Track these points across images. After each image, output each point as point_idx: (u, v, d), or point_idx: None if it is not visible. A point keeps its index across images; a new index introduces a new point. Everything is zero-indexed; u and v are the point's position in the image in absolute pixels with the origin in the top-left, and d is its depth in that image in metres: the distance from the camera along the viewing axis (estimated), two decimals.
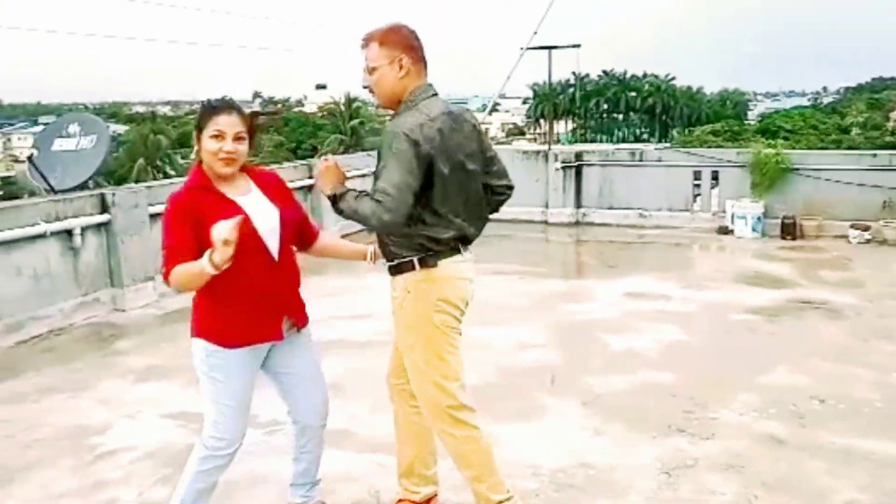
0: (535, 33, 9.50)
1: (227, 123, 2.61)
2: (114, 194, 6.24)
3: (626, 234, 9.80)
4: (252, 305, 2.67)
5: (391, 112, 2.86)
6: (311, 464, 3.10)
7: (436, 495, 3.20)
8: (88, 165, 6.30)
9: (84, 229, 6.01)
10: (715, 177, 10.05)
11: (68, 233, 5.94)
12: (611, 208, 10.38)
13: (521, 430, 4.07)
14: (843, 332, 5.73)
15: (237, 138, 2.63)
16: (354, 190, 2.74)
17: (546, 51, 10.86)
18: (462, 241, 2.86)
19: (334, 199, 2.74)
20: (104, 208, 6.20)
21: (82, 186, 6.33)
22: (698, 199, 10.24)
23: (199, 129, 2.64)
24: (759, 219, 9.31)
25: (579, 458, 3.71)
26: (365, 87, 2.85)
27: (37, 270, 5.77)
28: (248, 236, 2.59)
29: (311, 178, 8.59)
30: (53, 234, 5.80)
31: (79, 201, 6.07)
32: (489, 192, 3.01)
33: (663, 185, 10.16)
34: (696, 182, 10.18)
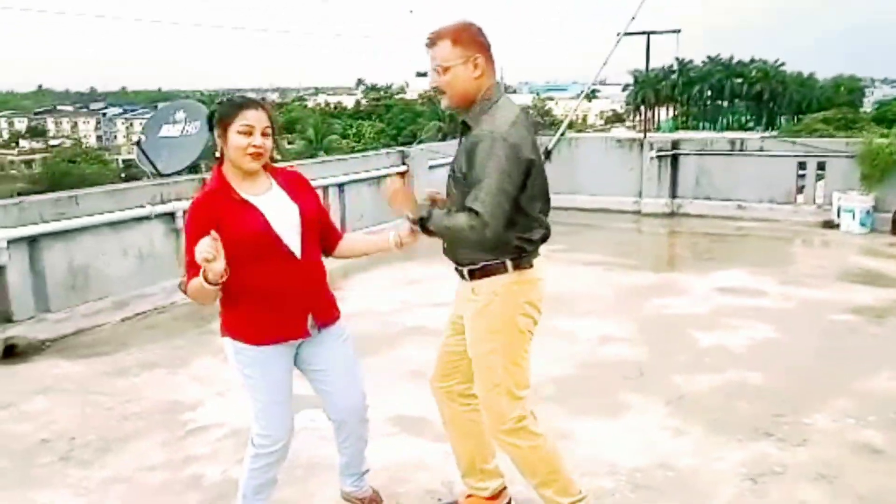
0: (633, 18, 9.22)
1: (255, 118, 2.59)
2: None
3: (723, 226, 9.46)
4: (274, 304, 2.65)
5: (462, 111, 2.75)
6: (354, 457, 3.10)
7: (504, 487, 3.16)
8: (192, 150, 6.59)
9: (185, 212, 6.26)
10: (821, 167, 9.55)
11: (171, 215, 6.24)
12: (708, 199, 10.03)
13: (601, 426, 4.01)
14: None
15: (264, 133, 2.61)
16: (437, 206, 2.69)
17: (645, 36, 10.55)
18: (544, 240, 2.81)
19: (422, 221, 2.67)
20: None
21: (187, 170, 6.63)
22: (803, 190, 9.77)
23: (224, 125, 2.60)
24: (868, 213, 8.80)
25: (659, 459, 3.62)
26: (434, 88, 2.75)
27: (142, 250, 6.10)
28: (265, 237, 2.60)
29: (403, 164, 8.71)
30: (158, 216, 6.11)
31: (182, 185, 6.36)
32: None
33: (765, 176, 9.73)
34: (801, 173, 9.71)
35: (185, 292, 2.60)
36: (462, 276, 2.81)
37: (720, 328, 5.55)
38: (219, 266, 2.40)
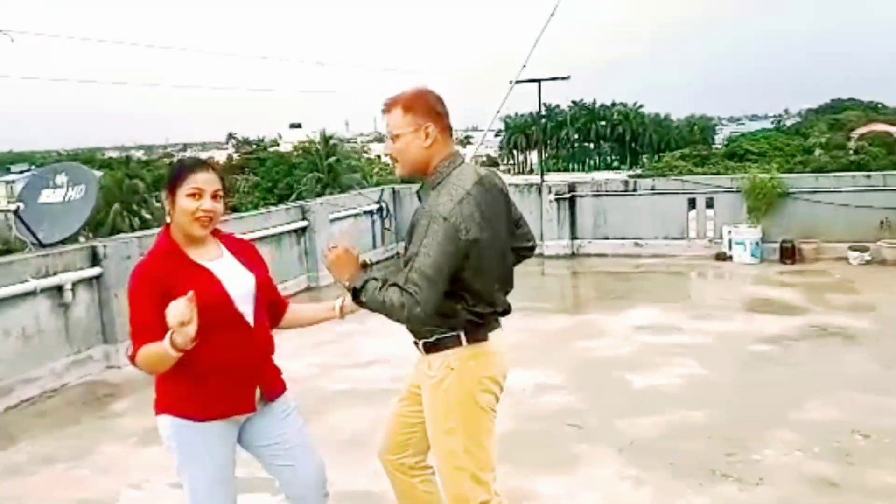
0: (524, 66, 9.40)
1: (206, 181, 2.44)
2: (105, 246, 5.95)
3: (623, 263, 9.68)
4: (224, 378, 2.47)
5: (412, 180, 2.71)
6: None
7: None
8: (78, 217, 6.02)
9: (75, 284, 5.71)
10: (710, 204, 9.99)
11: (58, 289, 5.64)
12: (606, 238, 10.27)
13: (558, 482, 3.85)
14: (865, 359, 5.60)
15: (214, 196, 2.46)
16: (376, 278, 2.50)
17: (534, 83, 10.80)
18: (504, 313, 2.70)
19: (355, 292, 2.52)
20: (95, 261, 5.91)
21: (71, 239, 6.05)
22: (692, 225, 10.17)
23: (173, 188, 2.44)
24: (757, 244, 9.24)
25: None
26: (387, 155, 2.67)
27: (26, 329, 5.45)
28: (221, 305, 2.43)
29: (304, 219, 8.38)
30: (43, 290, 5.50)
31: (69, 255, 5.78)
32: (514, 254, 2.82)
33: (658, 214, 10.09)
34: (691, 209, 10.12)
35: (132, 361, 2.39)
36: (419, 349, 2.65)
37: (647, 368, 5.55)
38: (192, 330, 2.19)
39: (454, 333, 2.54)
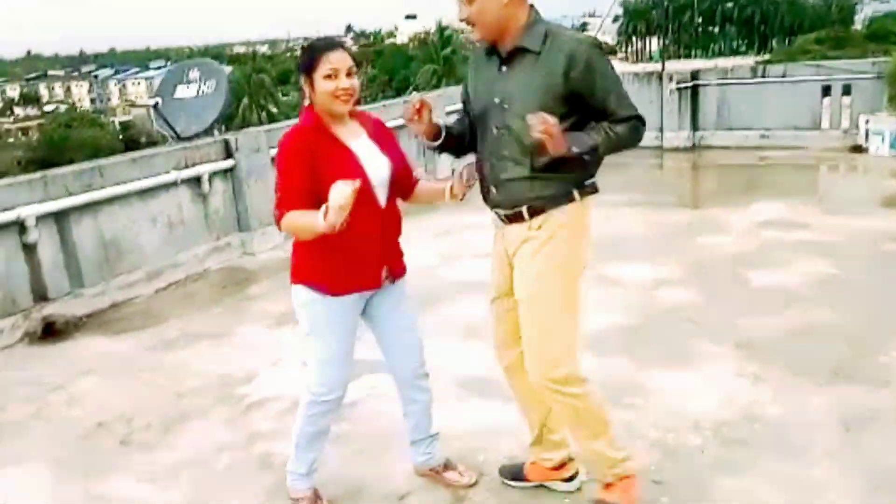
0: None
1: (339, 60, 2.53)
2: (237, 139, 6.27)
3: (747, 156, 9.28)
4: (356, 254, 2.62)
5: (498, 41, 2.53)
6: (421, 417, 3.02)
7: (570, 460, 2.96)
8: (211, 111, 6.33)
9: (211, 175, 6.09)
10: (846, 91, 9.31)
11: (197, 180, 6.02)
12: (730, 129, 9.83)
13: (674, 377, 3.86)
14: None
15: (349, 74, 2.56)
16: (584, 136, 2.42)
17: None
18: None
19: (591, 153, 2.43)
20: (228, 154, 6.25)
21: (205, 132, 6.38)
22: (826, 115, 9.53)
23: (309, 71, 2.55)
24: None
25: (743, 410, 3.48)
26: (462, 21, 2.56)
27: (171, 218, 5.89)
28: (363, 188, 2.49)
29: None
30: (184, 181, 5.90)
31: (205, 148, 6.12)
32: None
33: (788, 103, 9.53)
34: (825, 97, 9.47)
35: (278, 222, 2.56)
36: (513, 221, 2.60)
37: (772, 265, 5.40)
38: (345, 215, 2.33)
39: (567, 190, 2.52)
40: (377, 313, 2.83)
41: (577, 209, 2.55)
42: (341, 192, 2.31)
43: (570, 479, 2.96)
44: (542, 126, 2.31)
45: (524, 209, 2.56)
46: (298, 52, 2.73)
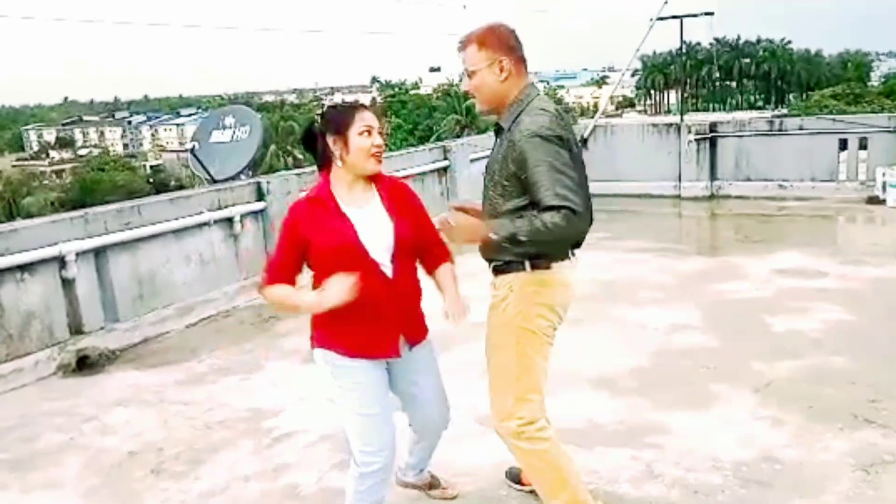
0: (666, 2, 9.15)
1: (371, 118, 2.59)
2: (269, 182, 6.53)
3: (765, 206, 9.38)
4: (364, 321, 2.58)
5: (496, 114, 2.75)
6: (423, 459, 3.15)
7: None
8: (244, 155, 6.59)
9: (243, 216, 6.31)
10: (863, 145, 9.45)
11: (229, 220, 6.24)
12: (748, 180, 9.96)
13: (693, 419, 3.92)
14: None
15: (380, 132, 2.61)
16: (511, 223, 2.56)
17: (676, 20, 10.47)
18: (576, 245, 2.77)
19: (511, 240, 2.54)
20: (260, 196, 6.48)
21: (237, 176, 6.62)
22: (843, 167, 9.66)
23: (341, 130, 2.57)
24: None
25: (762, 452, 3.52)
26: (465, 92, 2.78)
27: (203, 256, 6.11)
28: (352, 252, 2.55)
29: (445, 159, 8.65)
30: (217, 221, 6.12)
31: (238, 190, 6.37)
32: None
33: (805, 155, 9.66)
34: (842, 150, 9.61)
35: (261, 291, 2.67)
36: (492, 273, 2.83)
37: (789, 312, 5.47)
38: (333, 304, 2.46)
39: (520, 259, 2.67)
40: (399, 379, 2.77)
41: (528, 278, 2.69)
42: (339, 287, 2.43)
43: None
44: (439, 226, 2.63)
45: (490, 267, 2.79)
46: (323, 113, 2.72)
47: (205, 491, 3.53)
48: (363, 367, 2.64)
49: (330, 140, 2.60)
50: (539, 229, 2.48)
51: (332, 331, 2.63)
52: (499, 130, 2.76)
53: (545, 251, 2.66)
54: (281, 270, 2.61)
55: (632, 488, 3.29)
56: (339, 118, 2.60)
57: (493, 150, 2.81)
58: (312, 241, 2.55)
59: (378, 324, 2.62)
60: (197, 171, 6.68)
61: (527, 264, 2.67)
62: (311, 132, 2.68)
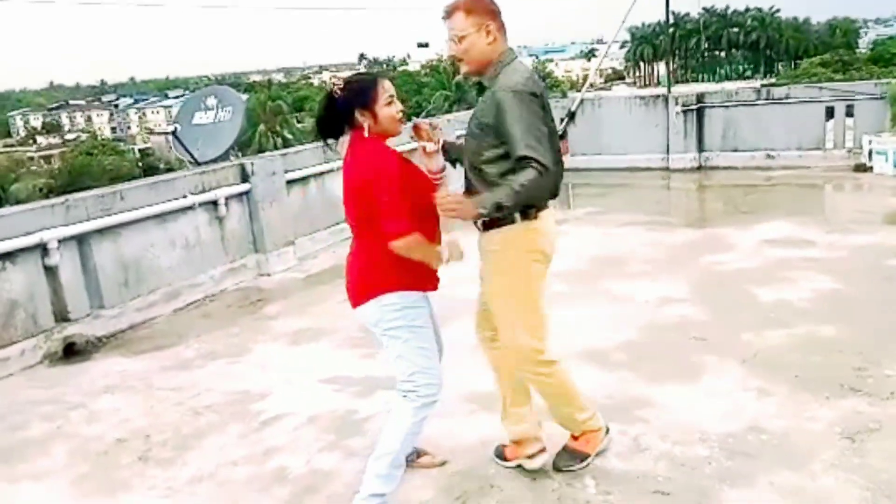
0: None
1: (391, 87, 2.84)
2: (252, 164, 6.44)
3: (753, 176, 9.39)
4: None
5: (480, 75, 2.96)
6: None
7: (536, 439, 3.25)
8: (227, 136, 6.53)
9: (228, 199, 6.25)
10: (850, 112, 9.44)
11: (214, 203, 6.18)
12: (735, 150, 9.95)
13: (680, 391, 3.92)
14: None
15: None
16: (491, 192, 2.80)
17: None
18: (553, 195, 3.00)
19: (498, 209, 2.77)
20: (245, 178, 6.42)
21: (222, 157, 6.56)
22: (830, 136, 9.65)
23: (371, 102, 2.78)
24: None
25: (748, 422, 3.53)
26: (451, 57, 2.96)
27: (188, 240, 6.05)
28: (430, 194, 2.83)
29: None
30: (201, 204, 6.06)
31: (222, 172, 6.30)
32: None
33: (792, 124, 9.65)
34: (829, 119, 9.59)
35: (396, 237, 2.74)
36: (479, 230, 3.02)
37: (777, 282, 5.47)
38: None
39: (510, 214, 2.86)
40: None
41: (520, 228, 2.91)
42: (454, 248, 2.84)
43: (532, 456, 3.23)
44: (441, 207, 2.77)
45: (479, 223, 2.97)
46: (347, 87, 2.82)
47: (193, 476, 3.51)
48: (427, 303, 2.96)
49: (357, 112, 2.80)
50: (517, 191, 2.72)
51: (410, 266, 2.82)
52: (482, 89, 3.01)
53: (531, 203, 2.87)
54: (408, 216, 2.74)
55: (619, 462, 3.29)
56: (365, 91, 2.80)
57: (477, 106, 3.03)
58: (414, 188, 2.78)
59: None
60: (180, 155, 6.61)
61: (517, 216, 2.88)
62: (335, 105, 2.83)
